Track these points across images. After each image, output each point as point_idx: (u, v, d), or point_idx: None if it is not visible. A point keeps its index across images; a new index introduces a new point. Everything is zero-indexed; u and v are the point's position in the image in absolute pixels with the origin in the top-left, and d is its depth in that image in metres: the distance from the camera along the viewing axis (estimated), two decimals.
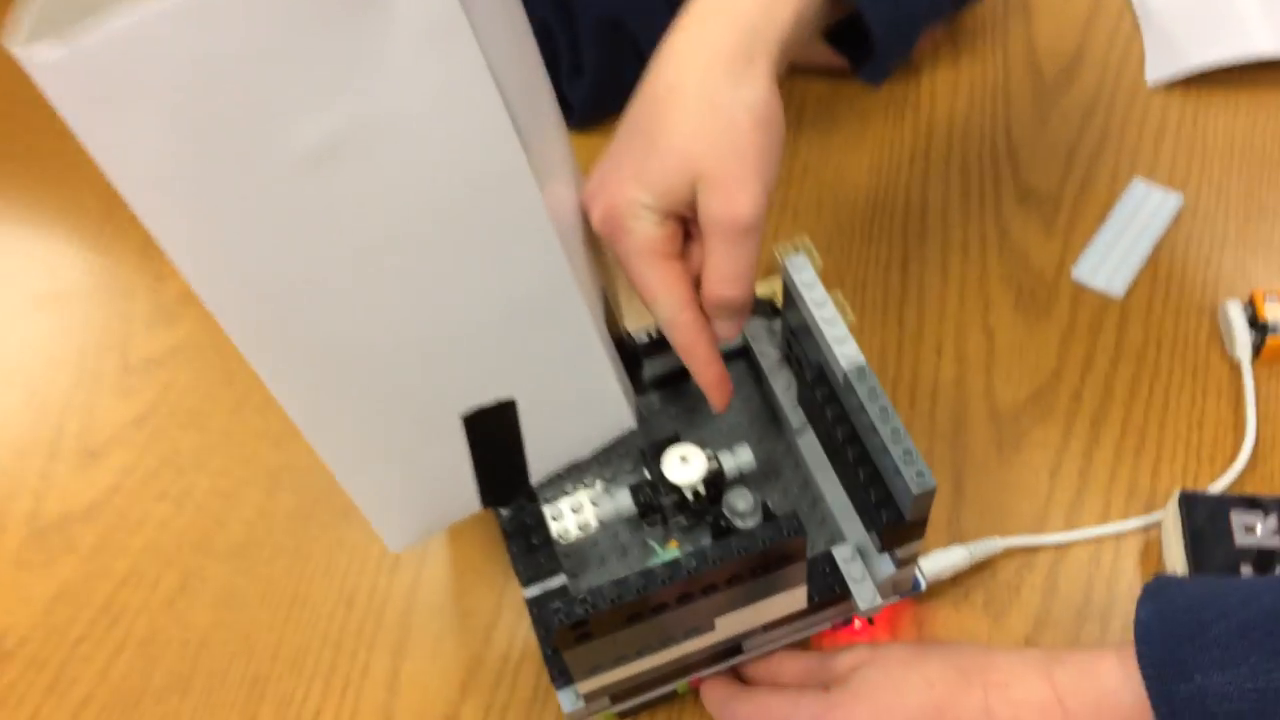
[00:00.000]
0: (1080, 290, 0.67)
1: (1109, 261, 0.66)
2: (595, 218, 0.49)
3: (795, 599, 0.49)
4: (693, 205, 0.47)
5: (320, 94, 0.36)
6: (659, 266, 0.49)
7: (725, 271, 0.48)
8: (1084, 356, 0.64)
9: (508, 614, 0.59)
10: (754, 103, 0.47)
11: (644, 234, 0.48)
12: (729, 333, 0.51)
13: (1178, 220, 0.68)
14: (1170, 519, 0.55)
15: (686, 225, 0.50)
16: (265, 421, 0.66)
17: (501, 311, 0.45)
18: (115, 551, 0.62)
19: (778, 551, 0.44)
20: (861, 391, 0.47)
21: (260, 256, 0.39)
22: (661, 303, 0.49)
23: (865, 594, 0.50)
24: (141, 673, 0.58)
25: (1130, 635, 0.44)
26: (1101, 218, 0.69)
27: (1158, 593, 0.46)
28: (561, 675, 0.50)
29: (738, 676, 0.54)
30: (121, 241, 0.74)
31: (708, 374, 0.52)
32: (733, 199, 0.46)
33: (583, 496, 0.56)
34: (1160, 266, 0.67)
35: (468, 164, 0.40)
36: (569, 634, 0.44)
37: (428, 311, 0.44)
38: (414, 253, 0.42)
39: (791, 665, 0.52)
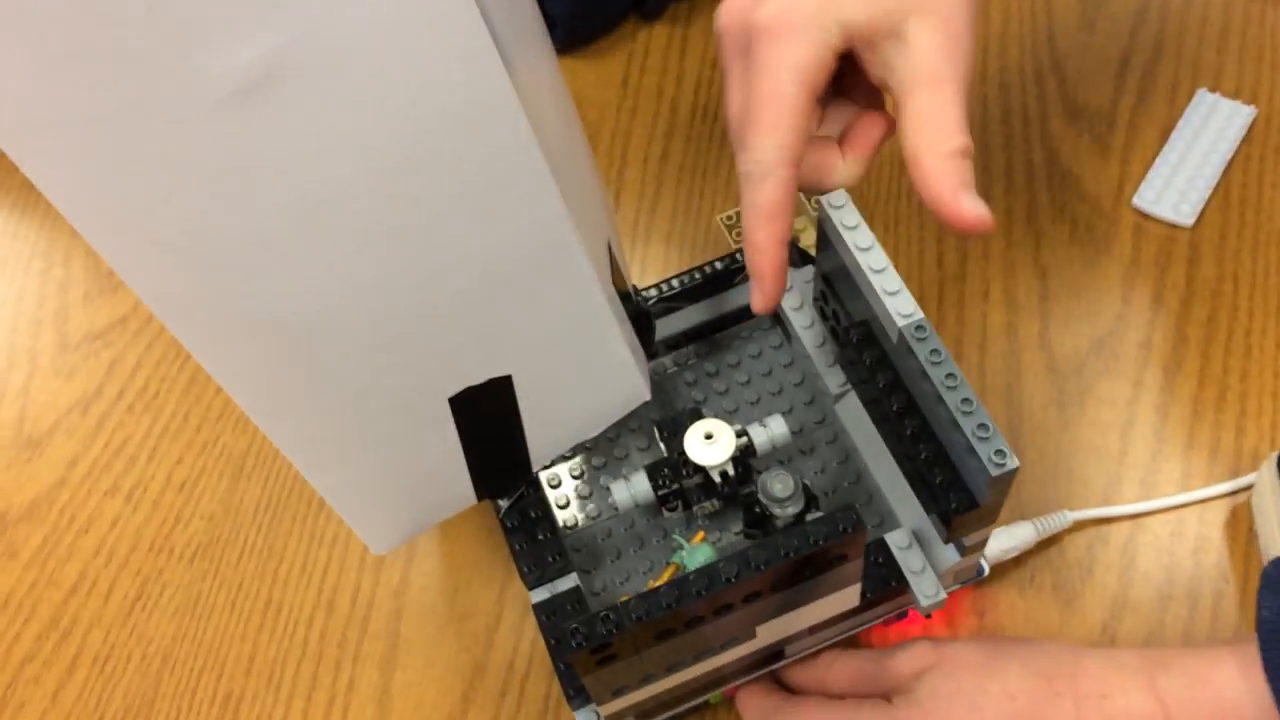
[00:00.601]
0: (1143, 220, 0.59)
1: (1174, 186, 0.59)
2: (740, 19, 0.41)
3: (847, 598, 0.42)
4: (876, 41, 0.41)
5: (245, 7, 0.29)
6: (798, 99, 0.41)
7: (956, 116, 0.40)
8: (1151, 296, 0.57)
9: (510, 613, 0.52)
10: None
11: (803, 55, 0.40)
12: (981, 209, 0.40)
13: (1250, 135, 0.60)
14: (1266, 484, 0.48)
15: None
16: (226, 401, 0.58)
17: (488, 272, 0.38)
18: (62, 556, 0.55)
19: (832, 551, 0.37)
20: (921, 353, 0.39)
21: (180, 217, 0.32)
22: (773, 142, 0.40)
23: (927, 587, 0.43)
24: (98, 695, 0.51)
25: (1238, 628, 0.37)
26: (1163, 136, 0.61)
27: None
28: (578, 694, 0.43)
29: (779, 681, 0.47)
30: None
31: (774, 255, 0.42)
32: (957, 35, 0.40)
33: (591, 480, 0.49)
34: (1233, 189, 0.59)
35: (439, 92, 0.33)
36: (589, 659, 0.37)
37: (398, 276, 0.36)
38: (376, 205, 0.34)
39: (843, 669, 0.45)
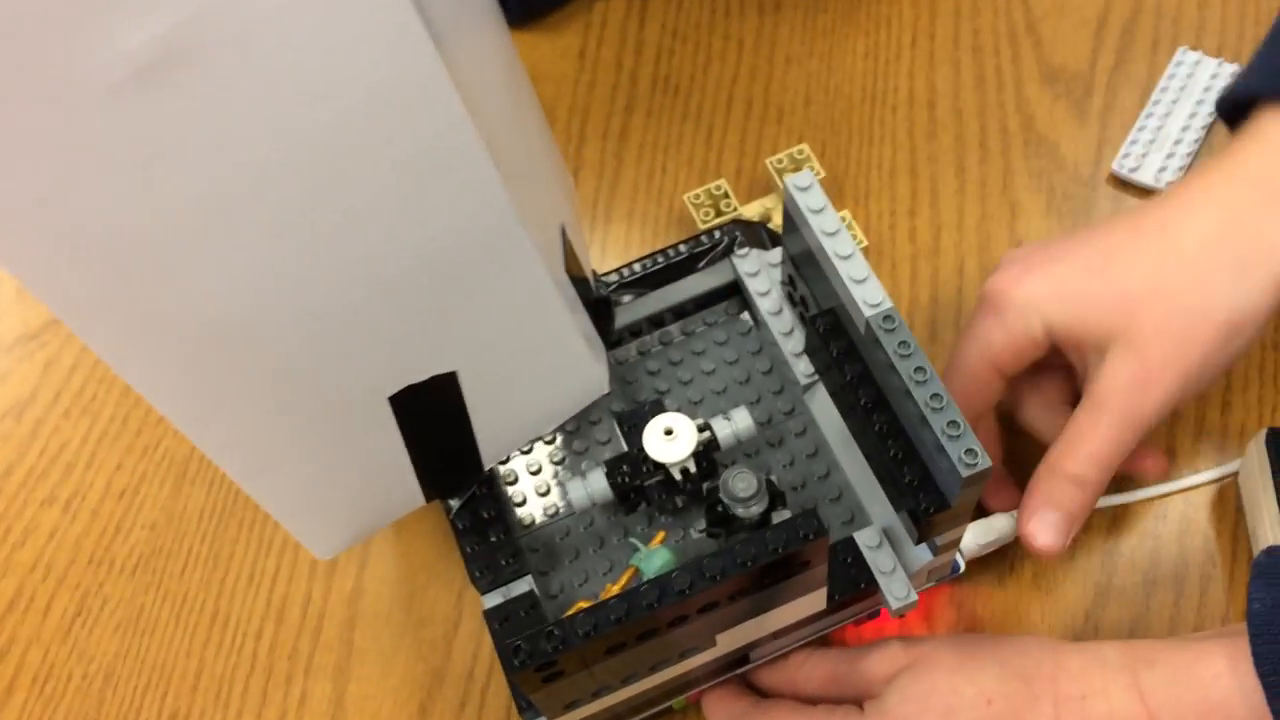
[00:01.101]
0: (1123, 187, 0.56)
1: (1156, 150, 0.56)
2: (991, 286, 0.44)
3: (813, 602, 0.40)
4: (1081, 349, 0.43)
5: None
6: (978, 370, 0.44)
7: (1094, 448, 0.41)
8: None
9: (470, 619, 0.50)
10: (1243, 306, 0.41)
11: (995, 336, 0.43)
12: (1048, 537, 0.42)
13: None
14: (1254, 462, 0.46)
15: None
16: None
17: (424, 262, 0.35)
18: None
19: (794, 558, 0.35)
20: (889, 345, 0.37)
21: (77, 213, 0.29)
22: (960, 401, 0.41)
23: (898, 589, 0.41)
24: (37, 717, 0.49)
25: (1227, 615, 0.35)
26: (1143, 99, 0.58)
27: (1274, 574, 0.37)
28: (529, 707, 0.41)
29: (748, 683, 0.45)
30: None
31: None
32: (1149, 378, 0.41)
33: (549, 476, 0.46)
34: (1215, 152, 0.56)
35: (361, 73, 0.30)
36: (534, 677, 0.34)
37: (326, 270, 0.34)
38: (297, 195, 0.32)
39: (814, 670, 0.43)
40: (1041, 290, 0.42)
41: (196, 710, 0.49)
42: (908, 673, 0.40)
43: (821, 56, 0.63)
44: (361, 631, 0.50)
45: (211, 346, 0.34)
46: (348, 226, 0.33)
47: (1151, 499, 0.48)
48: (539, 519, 0.46)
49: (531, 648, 0.34)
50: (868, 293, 0.38)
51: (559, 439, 0.47)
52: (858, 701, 0.41)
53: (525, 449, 0.47)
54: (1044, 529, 0.41)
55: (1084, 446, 0.41)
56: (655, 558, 0.42)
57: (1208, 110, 0.57)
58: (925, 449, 0.37)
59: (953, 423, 0.35)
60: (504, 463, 0.47)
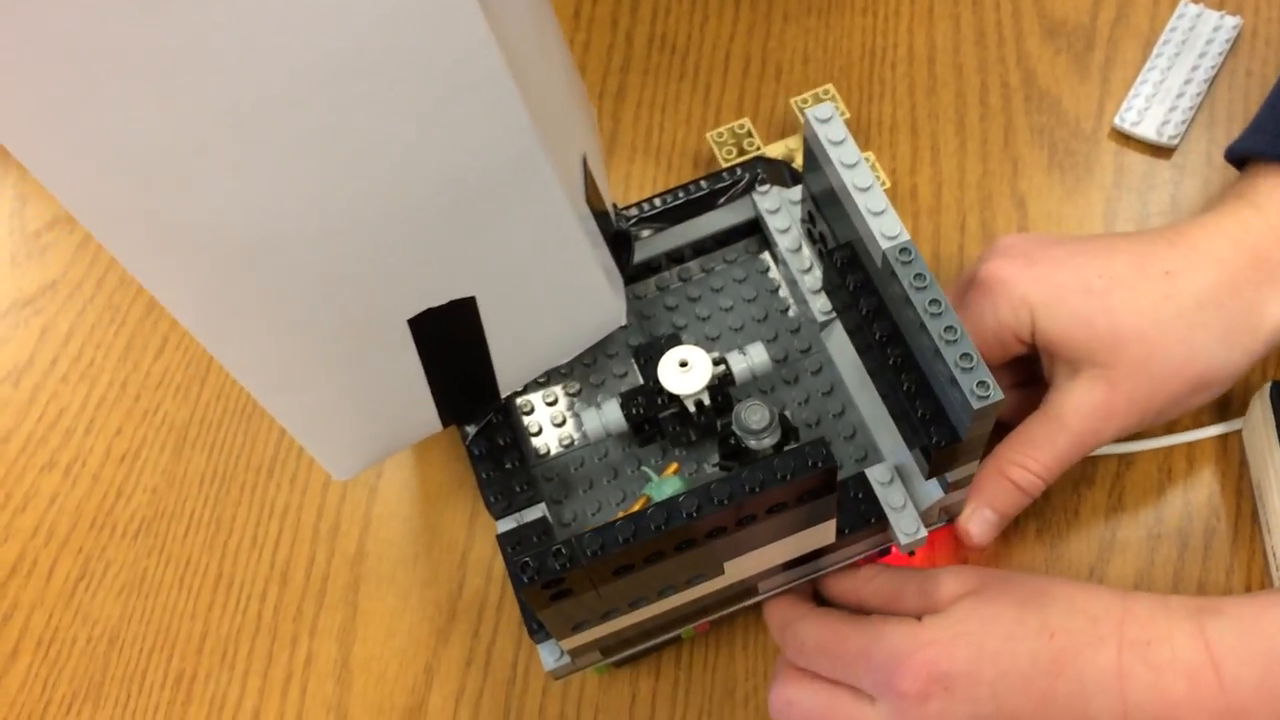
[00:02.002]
0: (1125, 141, 0.56)
1: (1158, 104, 0.56)
2: (991, 273, 0.44)
3: (821, 534, 0.40)
4: (1057, 359, 0.43)
5: None
6: (983, 342, 0.44)
7: (1046, 458, 0.42)
8: (1135, 222, 0.54)
9: (474, 578, 0.50)
10: (1220, 368, 0.43)
11: (993, 324, 0.44)
12: (983, 535, 0.43)
13: (1236, 48, 0.57)
14: (1258, 416, 0.46)
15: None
16: (166, 367, 0.55)
17: (446, 184, 0.35)
18: None
19: (802, 486, 0.35)
20: (905, 278, 0.37)
21: (103, 119, 0.29)
22: None
23: (907, 524, 0.41)
24: (43, 680, 0.49)
25: (1231, 567, 0.35)
26: (1145, 52, 0.58)
27: None
28: (541, 628, 0.41)
29: (812, 594, 0.45)
30: None
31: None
32: (1113, 410, 0.42)
33: (564, 406, 0.46)
34: (1218, 106, 0.56)
35: None
36: (542, 594, 0.34)
37: (348, 187, 0.34)
38: (320, 108, 0.32)
39: (881, 584, 0.43)
40: (1039, 294, 0.43)
41: (203, 672, 0.49)
42: (975, 596, 0.40)
43: (819, 13, 0.62)
44: (366, 593, 0.50)
45: (234, 260, 0.34)
46: (370, 145, 0.33)
47: (1156, 451, 0.48)
48: (554, 449, 0.46)
49: (540, 564, 0.34)
50: (885, 225, 0.38)
51: (576, 371, 0.47)
52: (916, 618, 0.41)
53: (542, 380, 0.47)
54: (981, 527, 0.43)
55: (1035, 455, 0.43)
56: (667, 487, 0.42)
57: (1210, 64, 0.56)
58: (938, 383, 0.37)
59: (966, 355, 0.35)
60: (520, 393, 0.47)
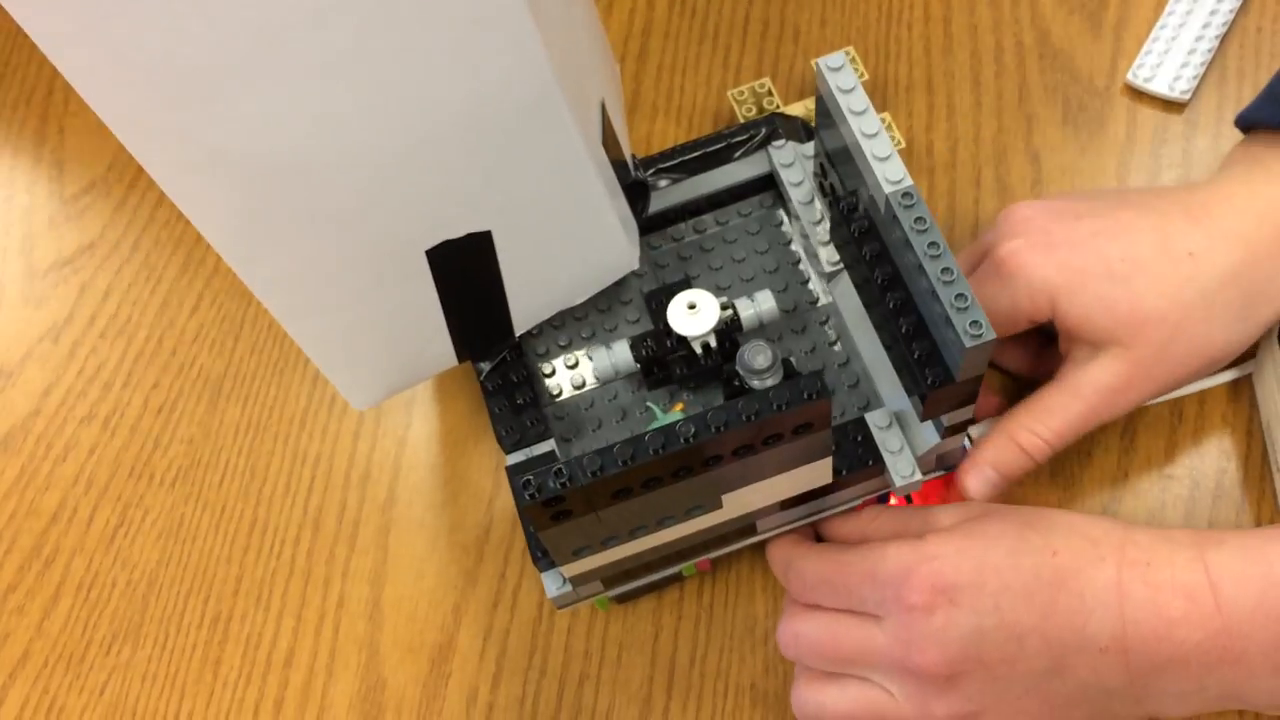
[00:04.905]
0: (1138, 97, 0.57)
1: (1170, 60, 0.56)
2: (1010, 257, 0.44)
3: (818, 473, 0.41)
4: (1077, 339, 0.44)
5: None
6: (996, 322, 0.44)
7: (1057, 425, 0.43)
8: (1148, 176, 0.55)
9: (501, 523, 0.51)
10: (1236, 342, 0.44)
11: (1009, 308, 0.44)
12: (981, 492, 0.45)
13: (1247, 4, 0.58)
14: (1268, 359, 0.47)
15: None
16: (200, 324, 0.57)
17: (465, 116, 0.37)
18: (40, 485, 0.54)
19: (796, 417, 0.36)
20: (906, 221, 0.38)
21: (131, 32, 0.31)
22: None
23: (903, 467, 0.42)
24: (84, 622, 0.51)
25: (1241, 506, 0.36)
26: (1158, 8, 0.59)
27: None
28: (545, 555, 0.42)
29: (814, 538, 0.46)
30: (6, 123, 0.64)
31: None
32: (1130, 385, 0.43)
33: (577, 349, 0.48)
34: (1229, 62, 0.57)
35: None
36: (542, 512, 0.36)
37: (371, 113, 0.35)
38: (342, 33, 0.33)
39: (887, 522, 0.44)
40: (1061, 279, 0.43)
41: (239, 613, 0.50)
42: (978, 519, 0.41)
43: None
44: (396, 537, 0.51)
45: (260, 181, 0.36)
46: (392, 73, 0.35)
47: (1167, 398, 0.49)
48: (566, 391, 0.47)
49: (540, 482, 0.35)
50: (889, 170, 0.39)
51: (590, 316, 0.48)
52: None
53: (556, 323, 0.48)
54: (980, 485, 0.44)
55: (1048, 423, 0.44)
56: (670, 421, 0.43)
57: (1221, 20, 0.57)
58: (935, 324, 0.38)
59: (960, 295, 0.36)
60: (534, 335, 0.48)
